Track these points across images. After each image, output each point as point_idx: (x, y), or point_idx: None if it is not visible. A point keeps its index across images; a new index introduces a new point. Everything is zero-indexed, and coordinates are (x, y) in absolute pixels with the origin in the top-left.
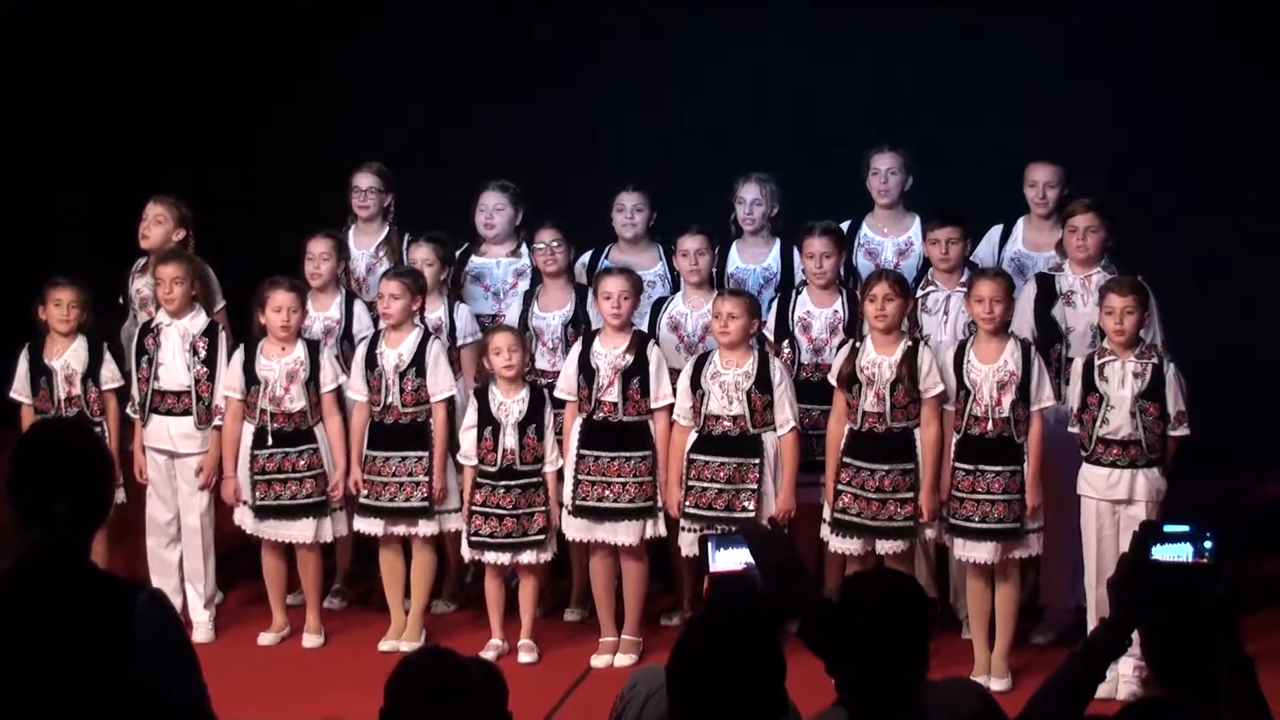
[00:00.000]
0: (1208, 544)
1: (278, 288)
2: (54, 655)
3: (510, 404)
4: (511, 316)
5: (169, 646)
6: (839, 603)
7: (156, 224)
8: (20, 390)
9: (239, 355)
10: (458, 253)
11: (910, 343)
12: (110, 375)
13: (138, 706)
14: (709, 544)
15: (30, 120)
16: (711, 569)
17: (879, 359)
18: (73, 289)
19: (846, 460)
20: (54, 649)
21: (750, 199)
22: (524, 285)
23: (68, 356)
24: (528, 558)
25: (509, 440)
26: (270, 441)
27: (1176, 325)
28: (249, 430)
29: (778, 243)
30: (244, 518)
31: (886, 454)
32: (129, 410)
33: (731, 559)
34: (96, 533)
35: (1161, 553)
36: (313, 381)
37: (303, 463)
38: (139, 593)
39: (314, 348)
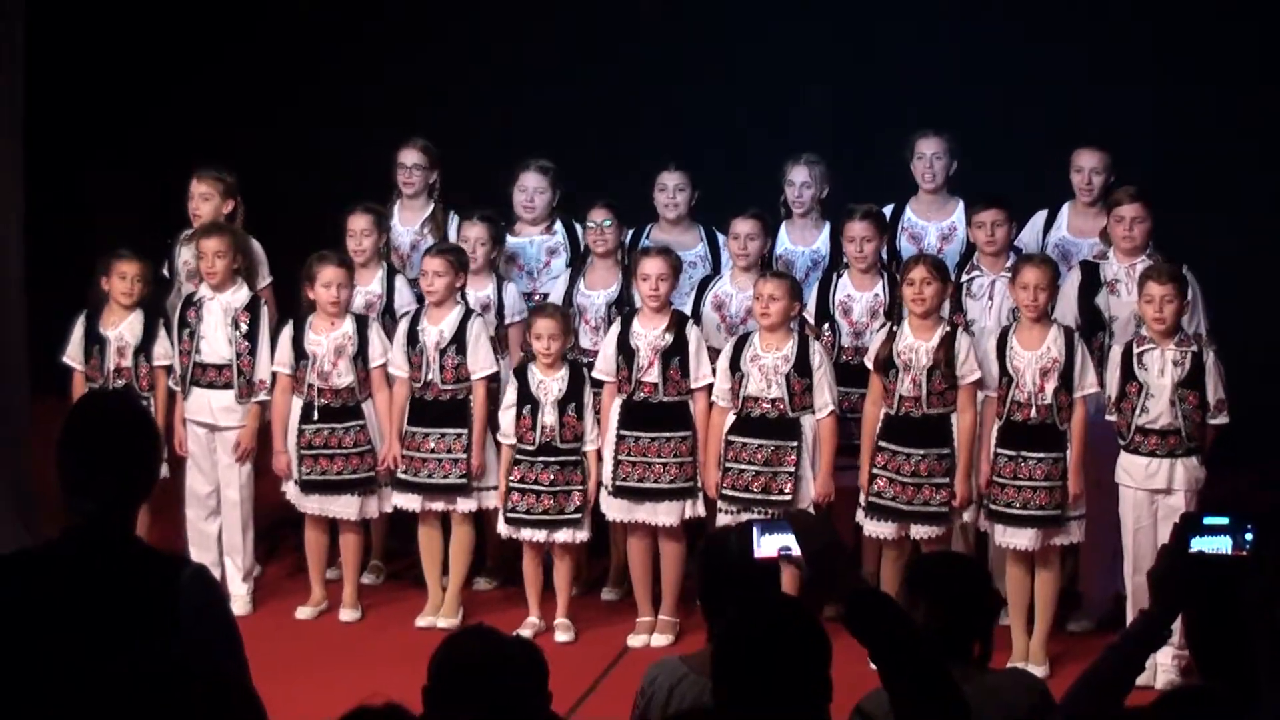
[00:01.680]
0: (1248, 536)
1: (326, 263)
2: (101, 629)
3: (550, 382)
4: (555, 294)
5: (213, 622)
6: (908, 582)
7: (204, 200)
8: (74, 355)
9: (288, 330)
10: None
11: (948, 328)
12: (162, 352)
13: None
14: (754, 529)
15: (67, 92)
16: (756, 554)
17: (916, 344)
18: (138, 262)
19: (882, 444)
20: (101, 622)
21: (800, 181)
22: (557, 263)
23: (123, 329)
24: (563, 536)
25: (548, 418)
26: (317, 416)
27: (1221, 314)
28: (297, 405)
29: (827, 226)
30: (291, 491)
31: (922, 439)
32: (170, 383)
33: (774, 544)
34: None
35: (1201, 544)
36: (361, 356)
37: (349, 439)
38: (184, 568)
39: (362, 323)
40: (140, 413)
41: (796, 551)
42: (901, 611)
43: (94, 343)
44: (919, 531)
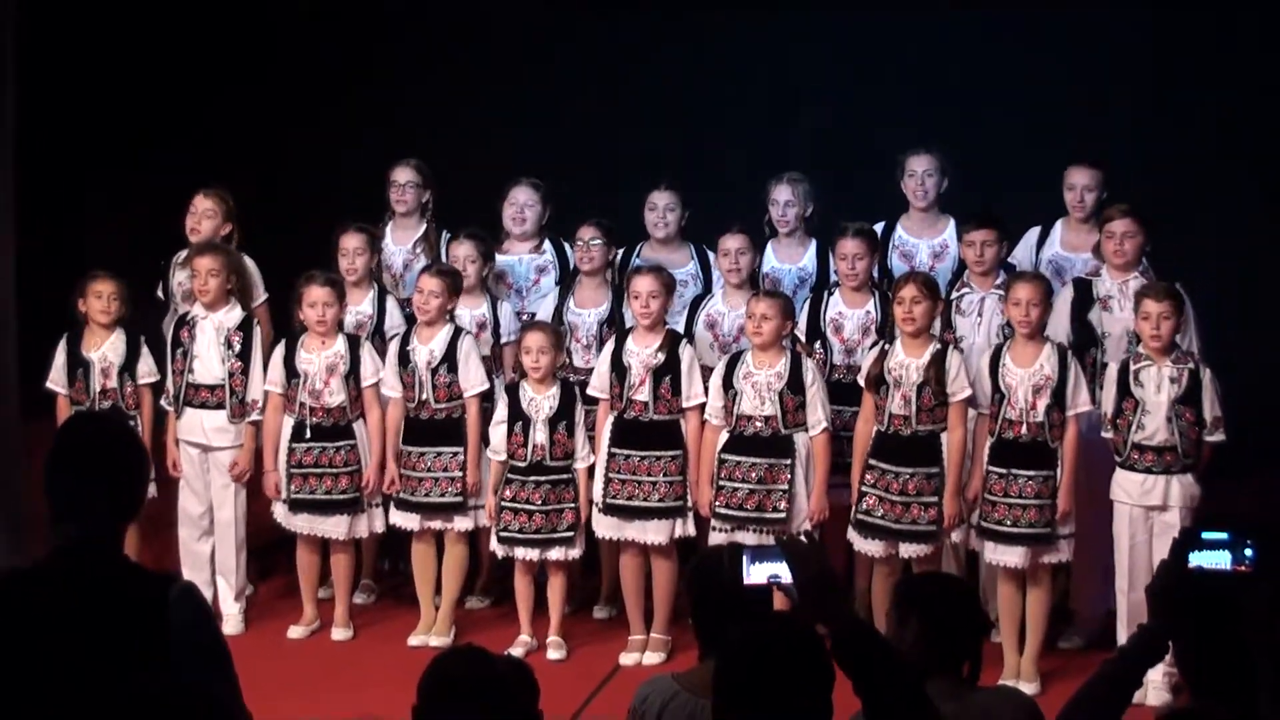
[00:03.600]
0: (1248, 551)
1: (313, 283)
2: (91, 647)
3: (541, 400)
4: (544, 312)
5: (202, 639)
6: (896, 601)
7: (207, 218)
8: (57, 380)
9: (280, 349)
10: None
11: (939, 345)
12: (146, 370)
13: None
14: (744, 556)
15: (64, 112)
16: (746, 581)
17: (907, 361)
18: (113, 281)
19: (872, 462)
20: (91, 641)
21: (783, 200)
22: (546, 281)
23: (105, 349)
24: (556, 554)
25: (539, 436)
26: (308, 435)
27: (1214, 329)
28: (288, 424)
29: (813, 243)
30: (279, 511)
31: (912, 457)
32: (163, 402)
33: (765, 571)
34: (129, 526)
35: (1200, 559)
36: (352, 376)
37: (340, 458)
38: (172, 586)
39: (354, 342)
40: (127, 432)
41: (787, 579)
42: (888, 646)
43: (78, 366)
44: (908, 550)
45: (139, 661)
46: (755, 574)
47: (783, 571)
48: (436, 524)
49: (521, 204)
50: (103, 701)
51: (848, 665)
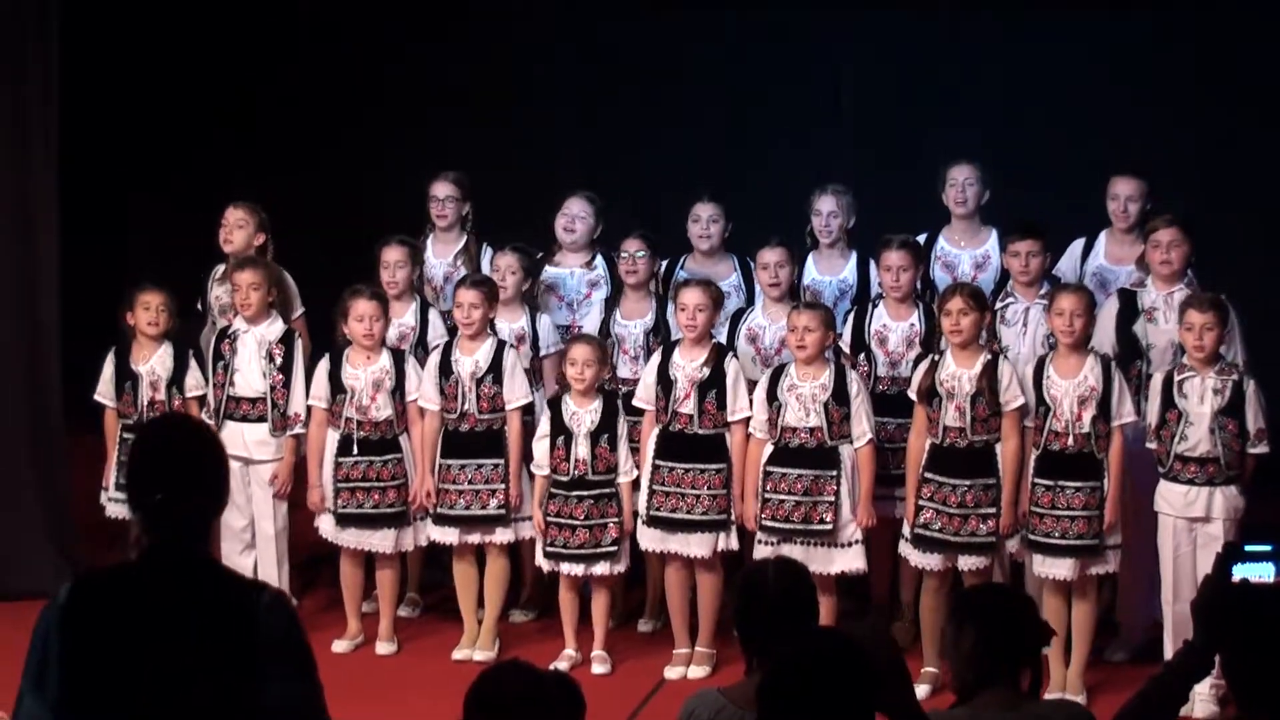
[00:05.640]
0: None
1: (359, 296)
2: (182, 652)
3: (583, 414)
4: (590, 325)
5: (291, 648)
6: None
7: (239, 228)
8: (105, 393)
9: (324, 363)
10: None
11: (989, 356)
12: (194, 383)
13: None
14: None
15: (106, 128)
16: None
17: (959, 372)
18: (160, 293)
19: (928, 475)
20: (182, 645)
21: (826, 211)
22: (598, 296)
23: (154, 362)
24: (600, 569)
25: (581, 450)
26: (355, 450)
27: (1261, 341)
28: (333, 438)
29: (854, 255)
30: (325, 525)
31: (968, 469)
32: (204, 415)
33: None
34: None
35: (1244, 572)
36: (398, 390)
37: (387, 472)
38: (262, 593)
39: (399, 357)
40: (209, 434)
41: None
42: None
43: (126, 379)
44: (966, 563)
45: (226, 667)
46: None
47: None
48: (475, 537)
49: (574, 215)
50: (189, 705)
51: None
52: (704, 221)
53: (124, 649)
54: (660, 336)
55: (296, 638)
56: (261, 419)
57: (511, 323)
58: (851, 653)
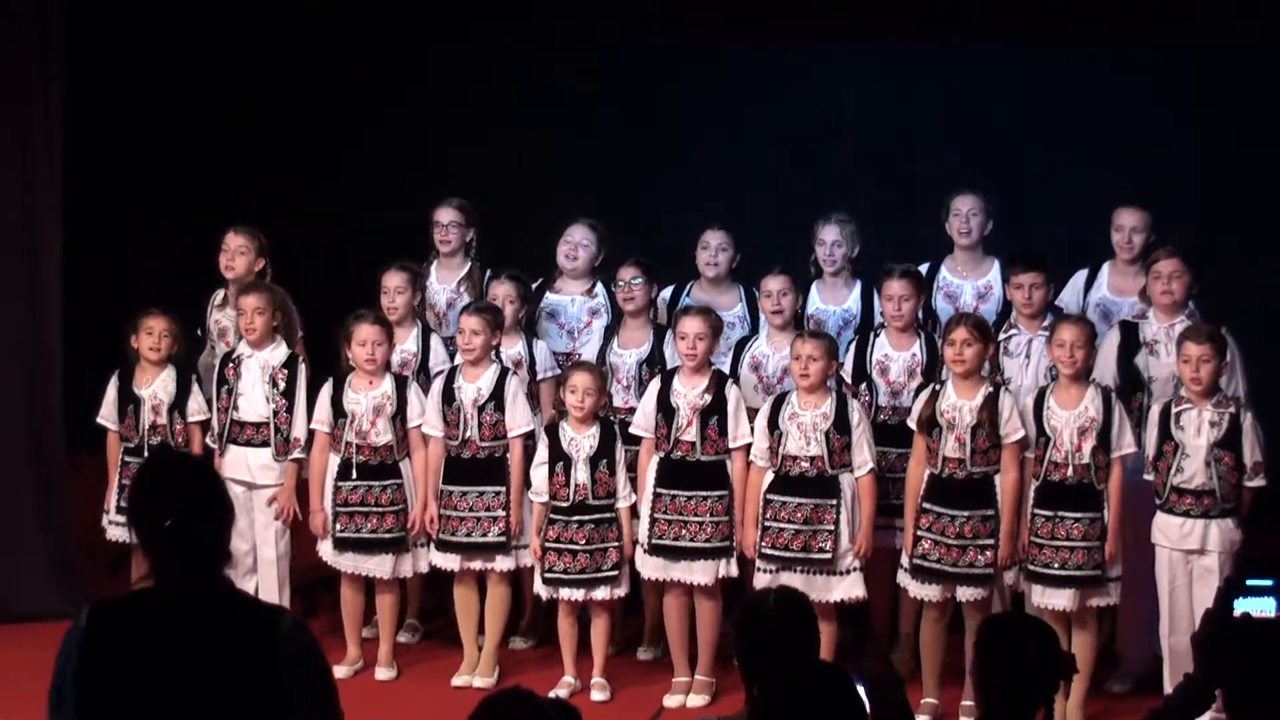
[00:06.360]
0: None
1: (362, 321)
2: (204, 677)
3: (581, 440)
4: (590, 353)
5: (312, 673)
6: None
7: (240, 254)
8: (108, 416)
9: (327, 388)
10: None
11: (991, 388)
12: (196, 408)
13: None
14: None
15: (109, 149)
16: None
17: (960, 403)
18: (165, 319)
19: (926, 506)
20: (201, 670)
21: (830, 240)
22: (599, 324)
23: (156, 386)
24: (601, 594)
25: (580, 475)
26: (355, 475)
27: (1262, 374)
28: (334, 462)
29: (858, 285)
30: (325, 549)
31: (967, 500)
32: (208, 440)
33: None
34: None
35: (1245, 606)
36: (399, 416)
37: (386, 497)
38: (282, 617)
39: (401, 383)
40: (209, 466)
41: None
42: None
43: (128, 402)
44: (964, 594)
45: (250, 691)
46: None
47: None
48: (477, 564)
49: (576, 242)
50: None
51: None
52: (713, 249)
53: (143, 673)
54: (655, 368)
55: (319, 663)
56: (265, 444)
57: (508, 349)
58: (842, 684)
